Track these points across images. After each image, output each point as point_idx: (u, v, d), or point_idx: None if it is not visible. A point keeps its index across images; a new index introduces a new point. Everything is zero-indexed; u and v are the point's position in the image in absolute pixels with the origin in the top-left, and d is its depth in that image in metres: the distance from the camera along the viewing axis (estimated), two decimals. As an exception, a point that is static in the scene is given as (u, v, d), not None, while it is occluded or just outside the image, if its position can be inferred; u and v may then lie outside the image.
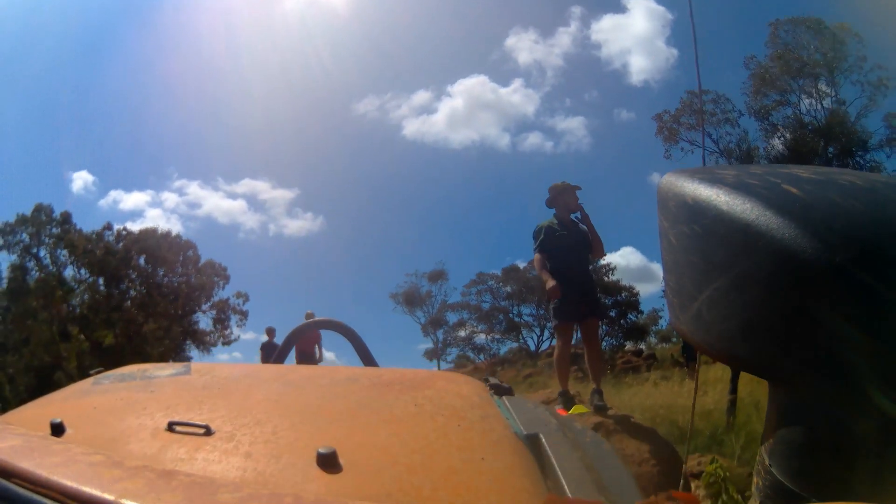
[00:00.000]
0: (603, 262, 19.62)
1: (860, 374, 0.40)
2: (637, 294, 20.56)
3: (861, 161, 14.41)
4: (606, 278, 19.63)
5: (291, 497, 0.44)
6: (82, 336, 14.55)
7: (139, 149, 34.77)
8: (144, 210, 30.79)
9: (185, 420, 0.63)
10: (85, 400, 0.77)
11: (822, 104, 14.83)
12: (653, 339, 20.35)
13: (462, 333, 22.41)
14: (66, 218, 15.56)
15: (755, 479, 0.48)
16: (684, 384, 9.08)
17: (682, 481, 2.95)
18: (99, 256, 15.28)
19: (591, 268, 4.56)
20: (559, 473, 0.61)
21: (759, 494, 0.47)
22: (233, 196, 34.66)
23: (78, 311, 15.02)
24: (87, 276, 15.41)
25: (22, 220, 15.15)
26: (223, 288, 17.18)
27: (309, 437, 0.62)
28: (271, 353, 8.58)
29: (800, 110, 15.04)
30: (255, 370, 0.91)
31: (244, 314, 17.30)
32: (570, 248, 4.22)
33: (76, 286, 15.44)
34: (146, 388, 0.79)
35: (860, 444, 0.41)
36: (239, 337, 17.42)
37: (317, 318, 1.52)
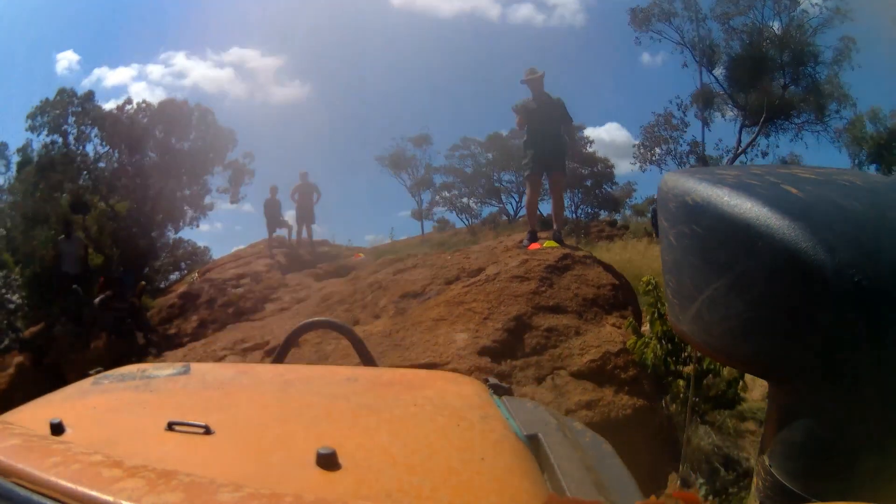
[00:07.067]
0: (583, 134, 20.69)
1: (861, 374, 0.40)
2: (612, 166, 21.24)
3: (812, 71, 16.30)
4: (584, 150, 20.03)
5: (291, 497, 0.44)
6: (102, 204, 15.43)
7: (124, 22, 32.25)
8: (128, 84, 32.03)
9: (184, 420, 0.63)
10: (85, 400, 0.77)
11: (780, 18, 16.37)
12: (628, 212, 21.21)
13: (446, 194, 23.14)
14: (89, 96, 16.52)
15: (755, 480, 0.48)
16: (650, 247, 9.96)
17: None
18: (126, 127, 15.98)
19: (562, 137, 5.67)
20: (559, 473, 0.61)
21: (759, 495, 0.47)
22: (220, 65, 33.26)
23: (94, 184, 15.81)
24: (108, 148, 16.25)
25: (48, 104, 15.94)
26: (232, 150, 17.89)
27: (309, 437, 0.62)
28: (273, 209, 9.23)
29: (759, 20, 16.57)
30: (254, 370, 0.91)
31: (251, 173, 18.17)
32: (540, 118, 5.40)
33: (98, 157, 16.32)
34: (146, 388, 0.79)
35: (860, 444, 0.42)
36: (246, 195, 18.28)
37: (317, 319, 1.53)
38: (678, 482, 3.01)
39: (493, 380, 0.90)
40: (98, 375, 0.87)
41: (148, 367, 0.88)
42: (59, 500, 0.44)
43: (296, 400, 0.75)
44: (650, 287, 3.50)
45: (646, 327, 3.67)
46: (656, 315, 3.43)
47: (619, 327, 3.79)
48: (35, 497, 0.45)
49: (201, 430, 0.62)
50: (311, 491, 0.51)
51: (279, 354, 1.39)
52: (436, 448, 0.61)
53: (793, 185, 0.47)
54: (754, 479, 0.48)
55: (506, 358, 3.32)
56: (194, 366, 0.88)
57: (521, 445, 0.65)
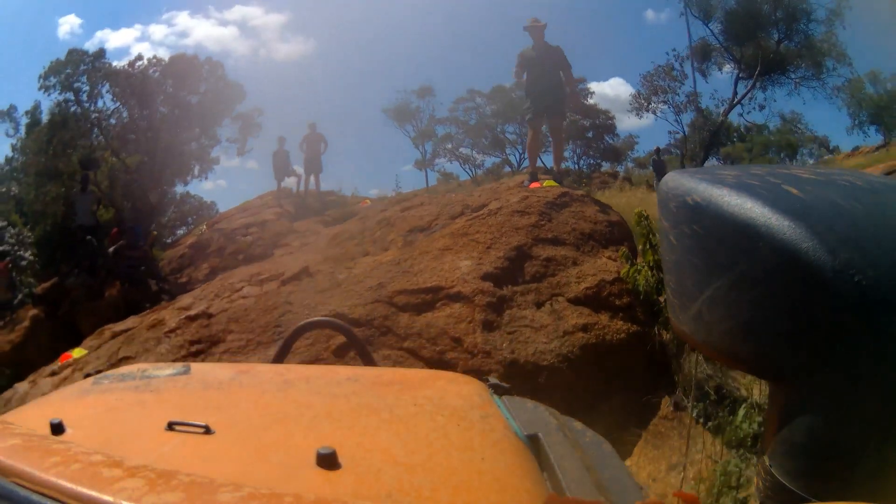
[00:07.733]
0: (585, 87, 20.88)
1: (861, 374, 0.40)
2: (613, 117, 21.73)
3: (805, 28, 16.47)
4: (584, 101, 20.32)
5: (291, 497, 0.44)
6: (113, 159, 15.91)
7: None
8: (131, 46, 31.92)
9: (184, 419, 0.63)
10: (85, 400, 0.76)
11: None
12: (630, 165, 21.82)
13: (449, 145, 23.43)
14: (101, 54, 16.80)
15: (755, 480, 0.48)
16: (649, 194, 10.23)
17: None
18: (138, 82, 16.30)
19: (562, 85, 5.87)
20: (559, 473, 0.61)
21: (760, 495, 0.48)
22: (224, 23, 33.09)
23: (104, 140, 16.21)
24: (118, 104, 16.58)
25: (60, 63, 16.16)
26: (241, 104, 18.24)
27: (309, 437, 0.62)
28: (281, 160, 9.45)
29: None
30: (254, 370, 0.91)
31: (259, 126, 18.48)
32: (540, 66, 5.66)
33: (109, 114, 16.70)
34: (146, 388, 0.79)
35: (860, 444, 0.42)
36: (253, 148, 18.61)
37: (316, 318, 1.52)
38: (671, 406, 3.23)
39: (493, 379, 0.90)
40: (98, 375, 0.87)
41: (148, 367, 0.88)
42: (59, 500, 0.44)
43: (296, 400, 0.75)
44: (642, 218, 3.70)
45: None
46: (648, 245, 3.60)
47: (615, 260, 3.96)
48: (35, 497, 0.45)
49: (201, 430, 0.62)
50: (311, 491, 0.51)
51: (279, 354, 1.37)
52: (436, 448, 0.61)
53: (793, 185, 0.47)
54: (755, 480, 0.49)
55: (507, 283, 3.49)
56: (194, 366, 0.88)
57: (521, 445, 0.65)
